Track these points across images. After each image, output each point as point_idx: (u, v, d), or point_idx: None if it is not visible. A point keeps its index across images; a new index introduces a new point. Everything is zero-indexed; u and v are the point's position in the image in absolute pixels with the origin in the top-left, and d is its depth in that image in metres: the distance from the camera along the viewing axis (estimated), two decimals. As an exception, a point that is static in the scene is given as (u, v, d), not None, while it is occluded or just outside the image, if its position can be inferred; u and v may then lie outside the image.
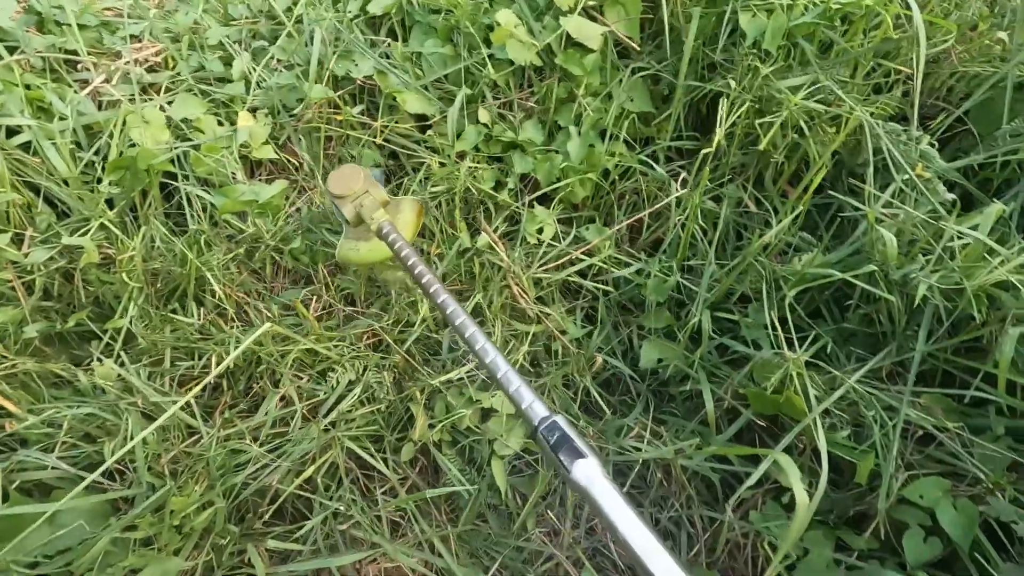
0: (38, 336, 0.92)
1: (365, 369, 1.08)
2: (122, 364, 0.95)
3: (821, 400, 0.86)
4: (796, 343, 0.93)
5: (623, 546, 0.42)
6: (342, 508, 0.88)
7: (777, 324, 0.93)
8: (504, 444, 1.05)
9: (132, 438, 0.82)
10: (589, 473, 0.45)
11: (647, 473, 1.09)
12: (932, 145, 1.09)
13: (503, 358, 0.54)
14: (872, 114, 1.09)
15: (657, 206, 1.16)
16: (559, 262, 1.22)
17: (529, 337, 1.12)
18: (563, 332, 1.18)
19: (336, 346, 1.09)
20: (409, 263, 0.72)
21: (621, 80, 1.25)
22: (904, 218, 0.95)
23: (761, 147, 1.07)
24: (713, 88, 1.15)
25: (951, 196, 0.99)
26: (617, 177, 1.26)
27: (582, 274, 1.24)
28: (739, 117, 1.10)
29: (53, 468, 0.79)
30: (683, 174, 1.25)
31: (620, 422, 1.09)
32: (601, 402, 1.12)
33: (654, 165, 1.18)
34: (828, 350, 1.02)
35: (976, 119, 1.19)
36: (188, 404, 0.95)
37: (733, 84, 1.03)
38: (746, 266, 1.03)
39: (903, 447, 0.82)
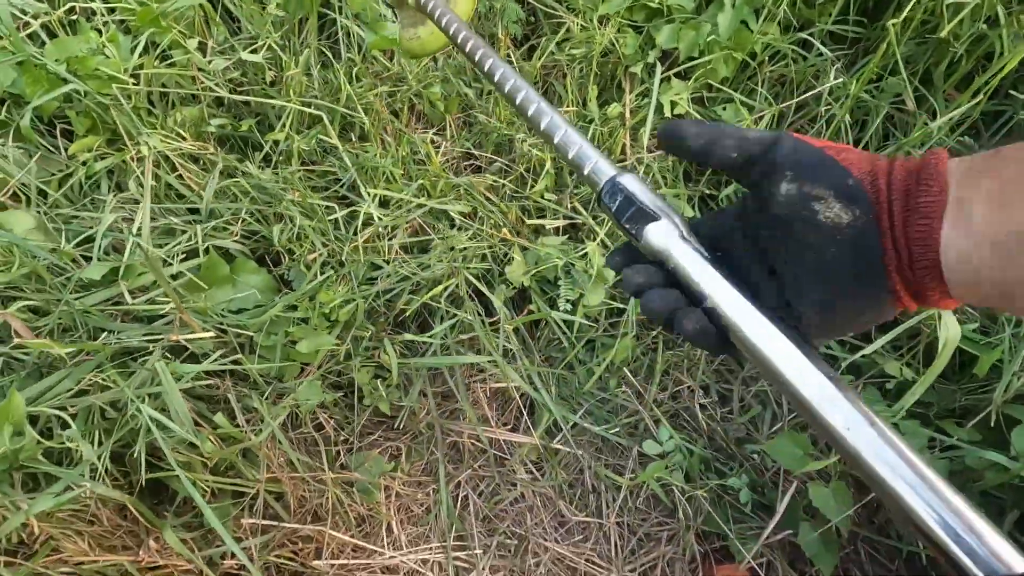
0: (215, 131, 1.03)
1: (476, 214, 1.14)
2: (278, 169, 1.06)
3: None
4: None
5: (713, 313, 0.35)
6: (468, 318, 0.98)
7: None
8: (589, 295, 1.10)
9: (296, 227, 0.93)
10: (662, 235, 0.37)
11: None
12: None
13: (562, 117, 0.45)
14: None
15: (809, 93, 1.11)
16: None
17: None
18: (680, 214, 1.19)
19: (455, 186, 1.15)
20: (448, 28, 0.55)
21: (790, -49, 1.16)
22: (1097, 124, 0.87)
23: (942, 33, 0.98)
24: (899, -36, 1.05)
25: None
26: (766, 59, 1.20)
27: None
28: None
29: (235, 241, 0.92)
30: (837, 64, 1.17)
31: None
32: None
33: (818, 44, 1.11)
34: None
35: None
36: (334, 210, 1.05)
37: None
38: (896, 159, 0.99)
39: (1033, 352, 0.80)
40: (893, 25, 0.88)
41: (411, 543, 1.04)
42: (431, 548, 1.03)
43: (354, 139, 1.17)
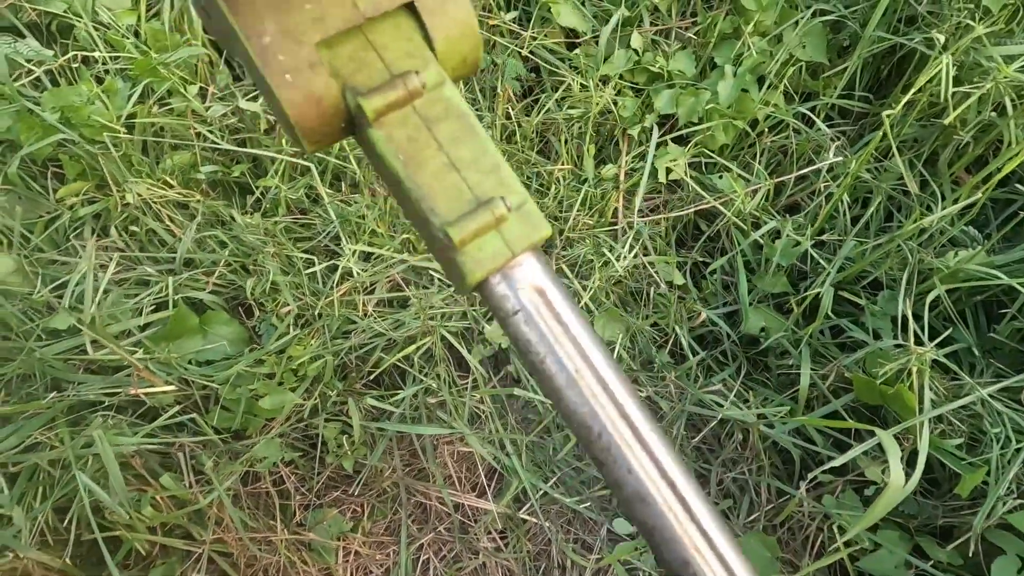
0: (206, 179, 1.05)
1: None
2: (266, 216, 1.07)
3: (938, 405, 0.80)
4: (926, 342, 0.85)
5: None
6: (434, 385, 0.96)
7: (910, 318, 0.85)
8: None
9: (271, 282, 0.93)
10: None
11: (722, 433, 1.09)
12: None
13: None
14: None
15: (808, 168, 1.08)
16: (683, 209, 1.18)
17: (613, 272, 1.10)
18: (669, 281, 1.16)
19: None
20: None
21: (797, 23, 1.13)
22: (1107, 230, 0.81)
23: (947, 121, 0.95)
24: (906, 44, 1.01)
25: None
26: (766, 129, 1.17)
27: (705, 221, 1.20)
28: (929, 82, 0.96)
29: (209, 293, 0.92)
30: (839, 140, 1.14)
31: (706, 381, 1.08)
32: (689, 352, 1.10)
33: (817, 121, 1.08)
34: (961, 359, 0.93)
35: None
36: (313, 264, 1.05)
37: (941, 38, 0.89)
38: (892, 249, 0.95)
39: (1023, 474, 0.75)
40: (888, 116, 0.85)
41: (366, 607, 1.01)
42: (385, 614, 1.00)
43: (344, 188, 1.18)
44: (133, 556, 0.83)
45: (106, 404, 0.79)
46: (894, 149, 0.89)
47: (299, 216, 1.13)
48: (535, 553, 1.07)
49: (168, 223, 0.96)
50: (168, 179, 0.99)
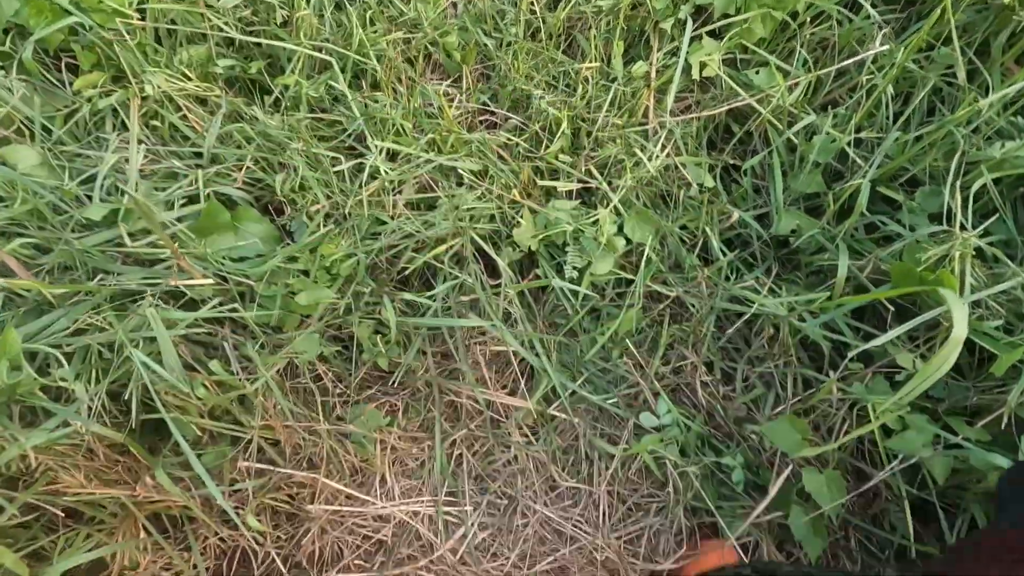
0: (223, 73, 1.01)
1: (487, 172, 1.10)
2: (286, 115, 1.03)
3: (978, 290, 0.80)
4: (970, 228, 0.84)
5: None
6: (470, 280, 0.96)
7: (957, 206, 0.84)
8: (597, 263, 1.06)
9: (300, 178, 0.91)
10: None
11: (749, 332, 1.10)
12: None
13: None
14: None
15: (851, 60, 1.03)
16: (716, 108, 1.14)
17: (644, 173, 1.07)
18: (699, 184, 1.14)
19: (467, 142, 1.11)
20: None
21: (848, -102, 1.05)
22: None
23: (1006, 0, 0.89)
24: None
25: None
26: (807, 20, 1.11)
27: (737, 124, 1.16)
28: (991, -42, 0.90)
29: (238, 189, 0.91)
30: (886, 28, 1.08)
31: (737, 279, 1.08)
32: (720, 253, 1.10)
33: (866, 6, 1.02)
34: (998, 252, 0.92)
35: None
36: (340, 161, 1.03)
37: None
38: (937, 139, 0.92)
39: (1059, 354, 0.76)
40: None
41: (403, 495, 1.06)
42: (422, 501, 1.05)
43: (365, 87, 1.13)
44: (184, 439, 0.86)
45: (147, 294, 0.79)
46: (952, 29, 0.84)
47: (321, 115, 1.09)
48: (564, 446, 1.12)
49: (190, 117, 0.93)
50: (186, 72, 0.95)
